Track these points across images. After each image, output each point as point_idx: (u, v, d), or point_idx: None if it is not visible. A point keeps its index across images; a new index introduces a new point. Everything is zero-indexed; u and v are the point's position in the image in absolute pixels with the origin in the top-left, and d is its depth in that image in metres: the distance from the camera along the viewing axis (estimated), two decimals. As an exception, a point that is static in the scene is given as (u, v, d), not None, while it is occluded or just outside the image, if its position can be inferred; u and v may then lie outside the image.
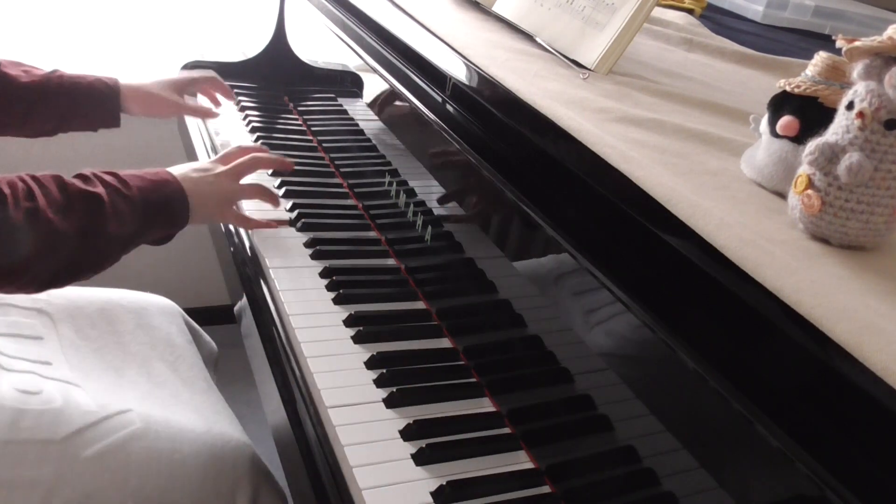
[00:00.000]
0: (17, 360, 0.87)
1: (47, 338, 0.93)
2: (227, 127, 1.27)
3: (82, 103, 1.06)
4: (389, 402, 0.74)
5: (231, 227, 1.04)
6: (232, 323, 0.98)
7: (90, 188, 0.78)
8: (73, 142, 1.67)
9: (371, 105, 1.14)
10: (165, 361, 0.99)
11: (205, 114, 1.21)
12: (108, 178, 0.81)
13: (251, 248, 0.97)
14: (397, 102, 1.03)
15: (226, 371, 1.20)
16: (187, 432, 0.86)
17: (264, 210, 1.01)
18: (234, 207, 0.95)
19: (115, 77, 1.10)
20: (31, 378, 0.85)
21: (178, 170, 0.90)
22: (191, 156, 1.26)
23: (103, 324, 1.00)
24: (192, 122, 1.29)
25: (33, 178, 0.76)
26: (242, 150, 0.97)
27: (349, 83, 1.22)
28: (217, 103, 1.26)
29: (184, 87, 1.18)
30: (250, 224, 0.96)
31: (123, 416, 0.85)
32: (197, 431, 0.87)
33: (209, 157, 1.20)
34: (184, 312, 1.12)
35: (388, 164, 1.04)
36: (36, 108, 1.03)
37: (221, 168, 0.93)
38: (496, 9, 1.02)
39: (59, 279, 0.80)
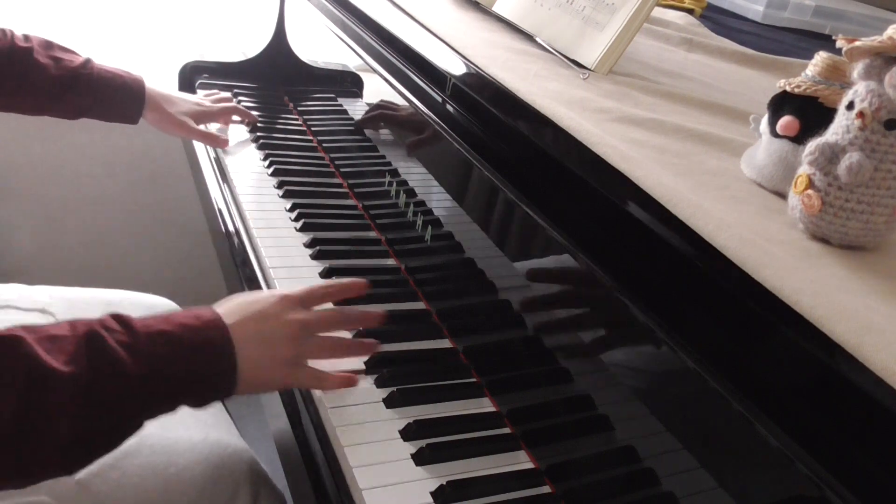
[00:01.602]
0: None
1: None
2: (228, 126, 1.27)
3: (106, 101, 1.07)
4: (389, 402, 0.73)
5: (230, 226, 1.04)
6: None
7: (59, 365, 0.53)
8: (73, 142, 1.68)
9: (371, 105, 1.14)
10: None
11: (214, 142, 1.19)
12: (112, 339, 0.57)
13: (251, 248, 0.97)
14: (397, 103, 1.03)
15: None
16: (183, 442, 0.86)
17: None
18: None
19: (141, 78, 1.11)
20: None
21: (234, 312, 0.65)
22: (191, 156, 1.26)
23: None
24: (192, 122, 1.29)
25: None
26: (327, 291, 0.74)
27: (349, 83, 1.22)
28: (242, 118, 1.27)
29: (205, 117, 1.19)
30: (325, 384, 0.71)
31: None
32: (193, 440, 0.86)
33: (209, 157, 1.20)
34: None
35: (388, 164, 1.04)
36: (60, 99, 1.04)
37: (302, 312, 0.69)
38: (496, 9, 1.02)
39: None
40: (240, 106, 1.27)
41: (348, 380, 0.72)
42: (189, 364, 0.60)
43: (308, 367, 0.70)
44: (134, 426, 0.59)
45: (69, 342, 0.55)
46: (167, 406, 0.61)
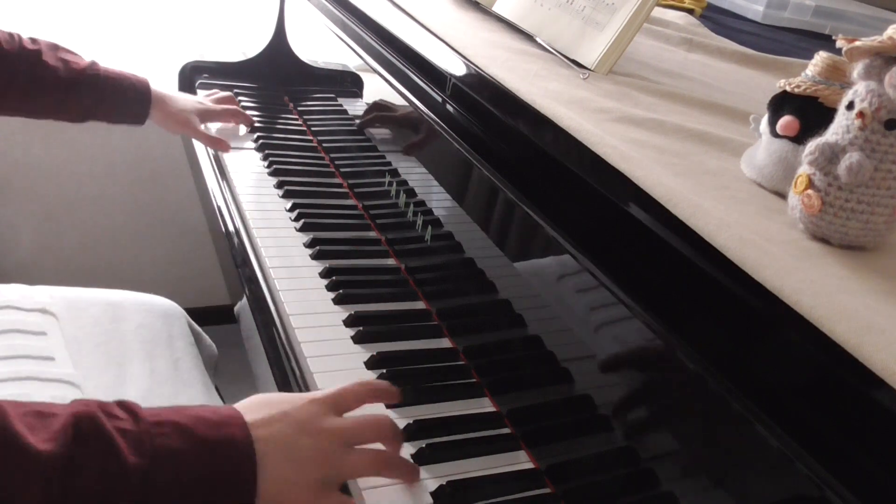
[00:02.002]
0: (18, 359, 0.87)
1: (50, 333, 0.93)
2: (227, 126, 1.27)
3: (113, 102, 1.08)
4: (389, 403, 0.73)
5: (230, 226, 1.04)
6: (232, 323, 0.98)
7: (43, 446, 0.46)
8: (73, 142, 1.68)
9: (370, 105, 1.14)
10: (167, 360, 0.99)
11: (217, 145, 1.18)
12: (110, 426, 0.49)
13: (251, 248, 0.97)
14: (396, 103, 1.03)
15: (226, 371, 1.20)
16: None
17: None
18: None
19: (146, 79, 1.12)
20: (29, 386, 0.84)
21: (256, 411, 0.55)
22: (191, 156, 1.26)
23: (106, 321, 1.00)
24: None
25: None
26: (364, 390, 0.63)
27: (349, 83, 1.22)
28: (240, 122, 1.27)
29: (208, 116, 1.20)
30: None
31: None
32: None
33: (209, 157, 1.20)
34: (186, 314, 1.12)
35: (388, 164, 1.04)
36: (69, 100, 1.05)
37: (336, 420, 0.58)
38: (496, 9, 1.02)
39: None
40: (239, 109, 1.26)
41: None
42: (199, 461, 0.50)
43: (339, 495, 0.57)
44: None
45: (58, 420, 0.48)
46: None
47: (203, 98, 1.23)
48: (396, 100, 1.01)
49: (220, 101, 1.24)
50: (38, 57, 1.01)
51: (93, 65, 1.06)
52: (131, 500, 0.48)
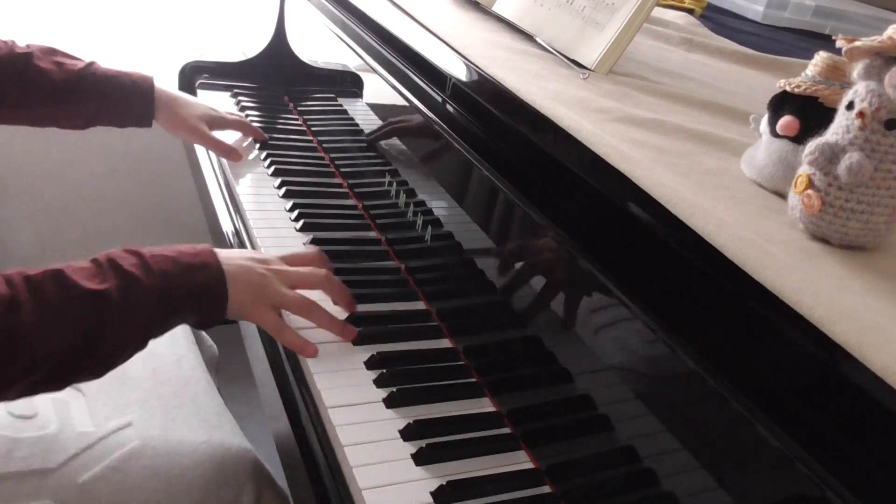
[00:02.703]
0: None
1: None
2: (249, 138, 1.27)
3: (115, 102, 1.04)
4: (389, 402, 0.74)
5: (230, 226, 1.04)
6: (232, 323, 0.98)
7: (95, 286, 0.66)
8: (73, 142, 1.68)
9: (371, 105, 1.14)
10: (169, 360, 0.99)
11: (227, 153, 1.13)
12: (126, 264, 0.69)
13: (251, 248, 0.97)
14: (398, 103, 1.03)
15: (226, 371, 1.20)
16: (186, 444, 0.85)
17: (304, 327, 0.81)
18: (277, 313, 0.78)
19: (150, 77, 1.07)
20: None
21: (228, 254, 0.77)
22: (191, 156, 1.26)
23: None
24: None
25: (26, 278, 0.65)
26: (312, 259, 0.86)
27: (349, 83, 1.22)
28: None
29: (218, 124, 1.15)
30: (284, 336, 0.78)
31: (121, 433, 0.84)
32: (196, 442, 0.86)
33: (209, 157, 1.20)
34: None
35: (388, 164, 1.04)
36: (67, 105, 1.01)
37: (278, 266, 0.80)
38: (496, 9, 1.02)
39: (61, 379, 0.68)
40: (252, 124, 1.22)
41: (303, 348, 0.77)
42: (189, 279, 0.72)
43: (276, 314, 0.78)
44: (159, 329, 0.72)
45: (93, 269, 0.68)
46: (175, 315, 0.72)
47: (213, 106, 1.17)
48: (398, 101, 1.01)
49: (231, 115, 1.20)
50: (30, 59, 0.98)
51: (90, 65, 1.03)
52: (150, 308, 0.69)
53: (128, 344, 0.70)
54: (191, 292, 0.72)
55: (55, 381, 0.67)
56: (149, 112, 1.07)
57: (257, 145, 1.21)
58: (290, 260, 0.83)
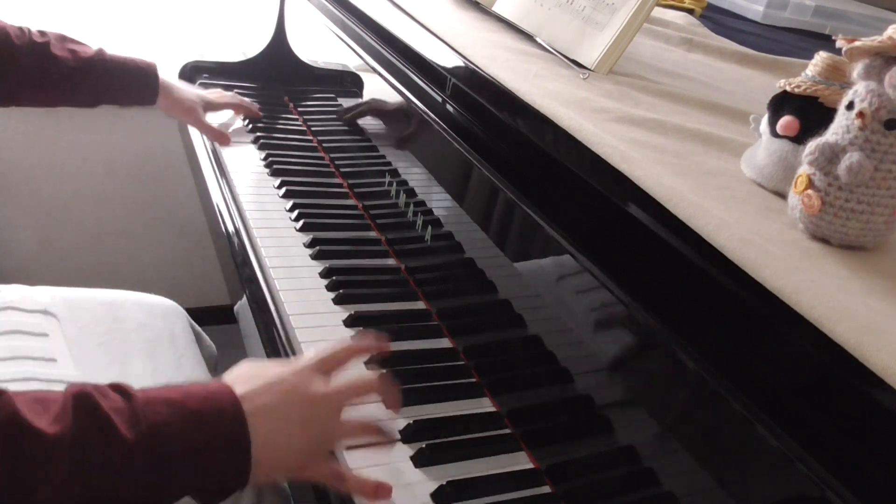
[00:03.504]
0: (20, 359, 0.87)
1: (52, 335, 0.93)
2: (227, 124, 1.27)
3: (122, 82, 1.11)
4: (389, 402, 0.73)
5: (230, 226, 1.04)
6: (232, 323, 0.98)
7: (44, 425, 0.48)
8: (73, 142, 1.68)
9: (371, 105, 1.14)
10: (169, 359, 0.99)
11: (219, 137, 1.21)
12: (106, 410, 0.50)
13: (251, 248, 0.97)
14: (397, 103, 1.03)
15: (226, 371, 1.20)
16: None
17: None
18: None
19: (154, 63, 1.15)
20: (31, 387, 0.84)
21: (245, 383, 0.56)
22: (191, 156, 1.26)
23: (108, 321, 1.00)
24: (192, 123, 1.29)
25: None
26: (347, 352, 0.64)
27: (349, 83, 1.22)
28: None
29: (212, 107, 1.23)
30: (349, 486, 0.60)
31: None
32: None
33: (209, 157, 1.20)
34: (187, 314, 1.12)
35: (388, 164, 1.04)
36: (80, 88, 1.08)
37: (321, 386, 0.59)
38: (496, 9, 1.02)
39: None
40: (243, 100, 1.29)
41: (376, 492, 0.60)
42: (191, 433, 0.52)
43: (329, 460, 0.60)
44: None
45: (57, 404, 0.50)
46: (167, 489, 0.52)
47: (206, 92, 1.26)
48: (395, 98, 1.01)
49: (221, 96, 1.27)
50: (48, 48, 1.04)
51: (100, 51, 1.10)
52: (131, 474, 0.50)
53: None
54: (192, 451, 0.52)
55: None
56: (153, 92, 1.14)
57: (241, 122, 1.29)
58: (328, 362, 0.62)
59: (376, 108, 1.11)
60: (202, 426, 0.52)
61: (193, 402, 0.53)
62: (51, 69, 1.04)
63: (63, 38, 1.08)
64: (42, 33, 1.06)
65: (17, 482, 0.47)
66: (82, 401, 0.50)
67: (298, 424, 0.57)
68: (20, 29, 1.04)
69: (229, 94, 1.29)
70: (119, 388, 0.53)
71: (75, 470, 0.48)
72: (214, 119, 1.25)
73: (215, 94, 1.26)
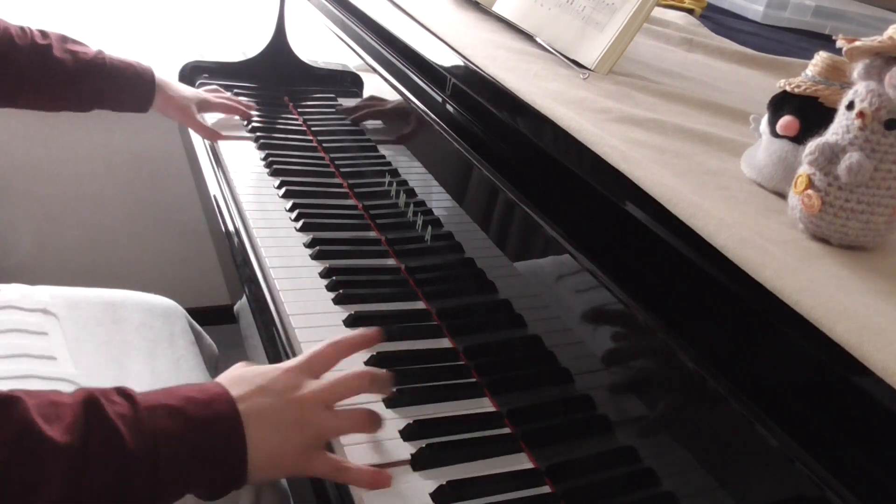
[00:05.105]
0: (19, 357, 0.87)
1: (52, 333, 0.93)
2: (226, 123, 1.27)
3: (119, 89, 1.11)
4: (389, 402, 0.73)
5: (230, 226, 1.04)
6: (232, 323, 0.98)
7: (56, 434, 0.50)
8: (73, 142, 1.68)
9: (371, 104, 1.14)
10: (169, 359, 0.99)
11: (211, 136, 1.22)
12: (109, 415, 0.53)
13: (251, 248, 0.97)
14: (397, 102, 1.03)
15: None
16: None
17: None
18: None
19: (151, 67, 1.16)
20: (31, 385, 0.84)
21: (237, 386, 0.59)
22: (191, 156, 1.26)
23: (108, 320, 1.00)
24: (192, 122, 1.29)
25: None
26: (335, 349, 0.66)
27: (349, 83, 1.22)
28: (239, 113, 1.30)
29: (206, 107, 1.24)
30: (348, 477, 0.62)
31: None
32: None
33: (209, 156, 1.20)
34: (187, 314, 1.12)
35: (388, 164, 1.04)
36: (77, 90, 1.08)
37: (311, 386, 0.62)
38: (496, 9, 1.02)
39: None
40: (237, 100, 1.29)
41: (374, 479, 0.62)
42: (193, 440, 0.54)
43: (326, 454, 0.62)
44: None
45: (70, 411, 0.52)
46: (171, 491, 0.54)
47: (202, 91, 1.26)
48: (395, 98, 1.01)
49: (217, 95, 1.28)
50: (49, 50, 1.04)
51: (99, 54, 1.09)
52: (134, 482, 0.52)
53: None
54: (194, 455, 0.55)
55: None
56: (147, 100, 1.15)
57: (247, 122, 1.29)
58: (316, 362, 0.64)
59: (376, 108, 1.11)
60: (202, 433, 0.55)
61: (193, 409, 0.55)
62: (52, 72, 1.04)
63: (64, 39, 1.08)
64: (44, 34, 1.06)
65: (25, 487, 0.49)
66: (92, 408, 0.52)
67: (291, 425, 0.59)
68: (22, 29, 1.04)
69: (226, 94, 1.30)
70: (124, 393, 0.55)
71: (82, 479, 0.50)
72: (211, 118, 1.26)
73: (212, 93, 1.27)
